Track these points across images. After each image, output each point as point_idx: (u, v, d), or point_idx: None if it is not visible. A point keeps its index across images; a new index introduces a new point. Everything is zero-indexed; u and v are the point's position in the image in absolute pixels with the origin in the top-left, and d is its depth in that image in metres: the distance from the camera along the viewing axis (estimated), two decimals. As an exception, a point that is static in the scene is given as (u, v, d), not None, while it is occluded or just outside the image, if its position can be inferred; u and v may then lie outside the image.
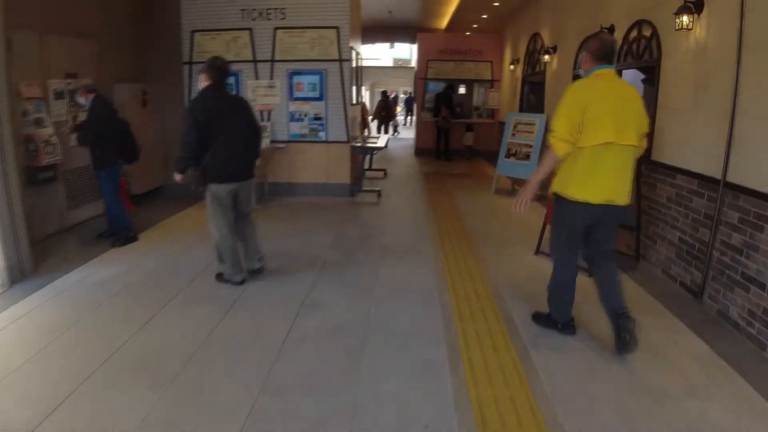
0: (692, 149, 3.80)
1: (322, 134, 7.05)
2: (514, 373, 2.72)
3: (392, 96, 20.31)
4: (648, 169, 4.38)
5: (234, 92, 6.75)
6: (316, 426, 2.30)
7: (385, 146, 8.08)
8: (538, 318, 3.28)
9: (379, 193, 7.30)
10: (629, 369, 2.77)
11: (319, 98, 6.97)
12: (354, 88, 7.42)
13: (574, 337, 3.09)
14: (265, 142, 6.47)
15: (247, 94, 6.93)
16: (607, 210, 2.84)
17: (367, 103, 20.99)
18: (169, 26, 6.84)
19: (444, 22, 12.32)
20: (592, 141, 2.72)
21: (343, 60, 6.86)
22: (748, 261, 3.12)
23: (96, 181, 4.97)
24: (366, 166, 7.82)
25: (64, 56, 5.27)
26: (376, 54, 20.95)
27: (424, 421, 2.34)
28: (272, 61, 6.91)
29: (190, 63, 6.88)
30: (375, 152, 8.26)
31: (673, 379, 2.67)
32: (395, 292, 3.82)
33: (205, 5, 6.77)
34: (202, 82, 3.71)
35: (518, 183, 7.60)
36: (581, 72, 3.05)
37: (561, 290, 3.08)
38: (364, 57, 9.38)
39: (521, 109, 9.21)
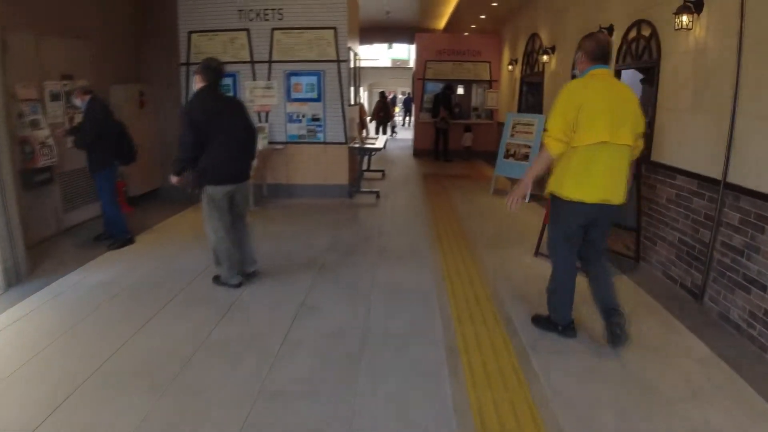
0: (692, 150, 3.79)
1: (320, 135, 7.03)
2: (514, 376, 2.70)
3: (390, 97, 20.30)
4: (648, 169, 4.36)
5: (231, 93, 6.74)
6: (314, 429, 2.28)
7: (384, 147, 8.07)
8: (538, 320, 3.27)
9: (377, 195, 7.29)
10: (629, 371, 2.75)
11: (317, 99, 6.95)
12: (352, 89, 7.41)
13: (574, 340, 3.08)
14: (262, 144, 6.45)
15: (245, 95, 6.91)
16: (602, 209, 2.85)
17: (366, 104, 20.99)
18: (166, 27, 6.82)
19: (442, 23, 12.32)
20: (586, 140, 2.73)
21: (340, 61, 6.84)
22: (749, 262, 3.10)
23: (93, 182, 4.94)
24: (364, 167, 7.80)
25: (60, 58, 5.24)
26: (374, 55, 20.91)
27: (422, 424, 2.32)
28: (270, 61, 6.88)
29: (188, 64, 6.84)
30: (373, 153, 8.25)
31: (674, 382, 2.65)
32: (394, 293, 3.80)
33: (202, 6, 6.75)
34: (196, 84, 3.70)
35: (517, 184, 7.58)
36: (577, 72, 3.04)
37: (560, 291, 3.07)
38: (362, 58, 9.37)
39: (520, 110, 9.20)
